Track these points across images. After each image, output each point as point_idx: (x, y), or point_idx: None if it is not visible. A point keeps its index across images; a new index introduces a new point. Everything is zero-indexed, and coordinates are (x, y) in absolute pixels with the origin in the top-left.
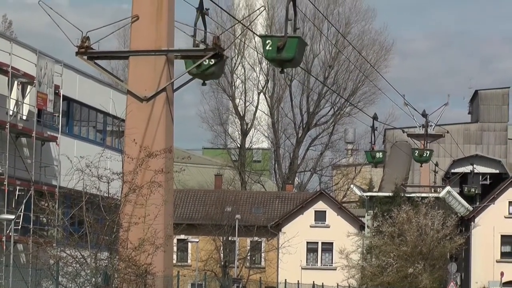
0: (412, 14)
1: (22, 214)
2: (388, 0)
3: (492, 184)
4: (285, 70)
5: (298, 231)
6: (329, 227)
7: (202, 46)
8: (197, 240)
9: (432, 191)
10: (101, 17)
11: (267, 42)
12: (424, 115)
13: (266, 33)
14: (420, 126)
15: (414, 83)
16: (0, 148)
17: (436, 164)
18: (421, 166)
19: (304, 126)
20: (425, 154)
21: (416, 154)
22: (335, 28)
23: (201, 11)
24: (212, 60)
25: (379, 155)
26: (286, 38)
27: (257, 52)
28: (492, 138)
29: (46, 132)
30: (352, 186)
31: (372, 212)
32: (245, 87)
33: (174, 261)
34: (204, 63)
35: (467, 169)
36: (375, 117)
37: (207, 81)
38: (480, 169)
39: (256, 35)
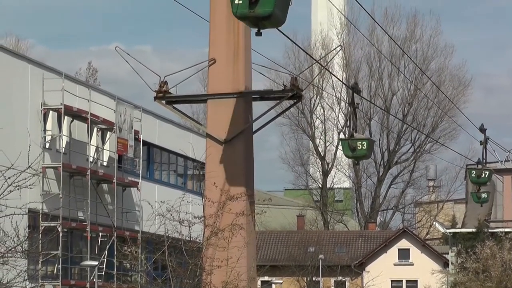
0: (494, 49)
1: (105, 260)
2: (467, 36)
3: None
4: (262, 31)
5: (382, 270)
6: (413, 264)
7: (358, 135)
8: (281, 281)
9: None
10: (183, 61)
11: None
12: (482, 130)
13: (344, 72)
14: (502, 161)
15: (497, 119)
16: (81, 195)
17: None
18: (478, 189)
19: (385, 164)
20: (483, 175)
21: (473, 175)
22: (414, 63)
23: (353, 107)
24: (365, 145)
25: (484, 195)
26: None
27: (335, 92)
28: None
29: (127, 177)
30: (435, 223)
31: (456, 249)
32: (324, 127)
33: None
34: (358, 147)
35: None
36: (479, 162)
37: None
38: None
39: (333, 74)
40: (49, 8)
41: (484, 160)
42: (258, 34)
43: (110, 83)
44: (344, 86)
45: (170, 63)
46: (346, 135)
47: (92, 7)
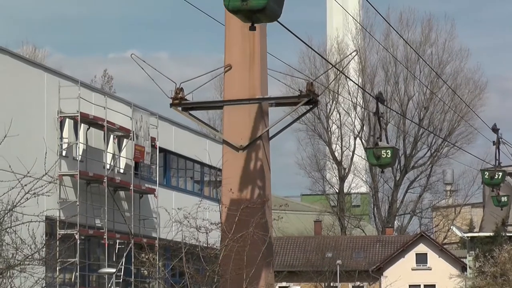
0: (509, 53)
1: (123, 267)
2: (482, 40)
3: None
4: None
5: (400, 275)
6: (430, 269)
7: (382, 144)
8: (299, 287)
9: None
10: (200, 67)
11: None
12: (494, 130)
13: (359, 77)
14: None
15: None
16: (98, 202)
17: None
18: (492, 190)
19: (401, 169)
20: (496, 176)
21: (486, 176)
22: (430, 66)
23: (378, 116)
24: (389, 153)
25: (504, 199)
26: None
27: (351, 97)
28: None
29: (144, 184)
30: (452, 227)
31: (474, 253)
32: (341, 133)
33: None
34: (383, 156)
35: None
36: (498, 164)
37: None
38: None
39: (349, 79)
40: (66, 16)
41: (497, 161)
42: (252, 28)
43: (126, 90)
44: (360, 91)
45: (187, 69)
46: (363, 141)
47: (109, 15)
